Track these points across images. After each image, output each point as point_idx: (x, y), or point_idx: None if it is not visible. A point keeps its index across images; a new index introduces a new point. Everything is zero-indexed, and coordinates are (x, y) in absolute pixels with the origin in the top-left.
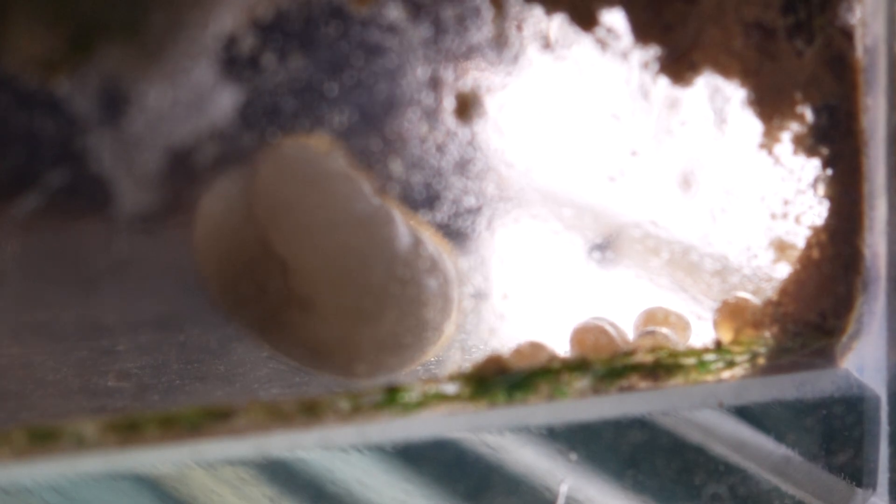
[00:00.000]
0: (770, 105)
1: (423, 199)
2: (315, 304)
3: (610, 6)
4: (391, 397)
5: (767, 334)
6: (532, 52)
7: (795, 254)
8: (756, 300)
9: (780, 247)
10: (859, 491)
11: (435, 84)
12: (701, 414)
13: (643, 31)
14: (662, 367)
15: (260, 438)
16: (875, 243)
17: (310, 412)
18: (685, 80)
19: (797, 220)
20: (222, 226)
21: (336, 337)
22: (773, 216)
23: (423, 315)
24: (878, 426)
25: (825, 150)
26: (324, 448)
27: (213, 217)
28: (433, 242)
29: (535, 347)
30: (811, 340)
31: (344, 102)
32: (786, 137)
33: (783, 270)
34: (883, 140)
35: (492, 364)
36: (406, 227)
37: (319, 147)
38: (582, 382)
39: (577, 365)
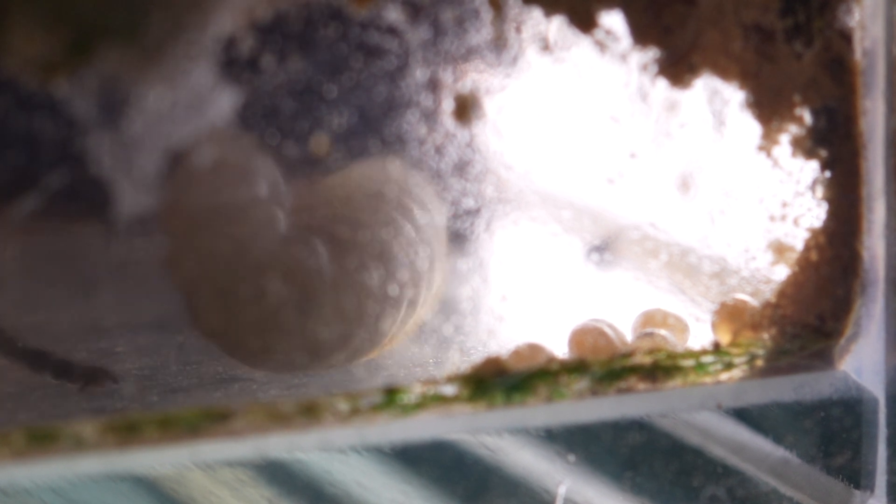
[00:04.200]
0: (769, 107)
1: None
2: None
3: (609, 8)
4: (390, 399)
5: (766, 336)
6: (531, 53)
7: (794, 256)
8: (754, 302)
9: (779, 249)
10: (857, 493)
11: (434, 86)
12: (699, 416)
13: (642, 34)
14: (661, 368)
15: (258, 440)
16: (873, 246)
17: (308, 413)
18: (684, 83)
19: (796, 222)
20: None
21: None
22: (772, 218)
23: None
24: (877, 428)
25: (824, 153)
26: (322, 449)
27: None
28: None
29: (534, 349)
30: (809, 342)
31: (343, 104)
32: (784, 140)
33: (781, 273)
34: (881, 143)
35: (490, 365)
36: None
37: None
38: (580, 384)
39: (575, 366)
